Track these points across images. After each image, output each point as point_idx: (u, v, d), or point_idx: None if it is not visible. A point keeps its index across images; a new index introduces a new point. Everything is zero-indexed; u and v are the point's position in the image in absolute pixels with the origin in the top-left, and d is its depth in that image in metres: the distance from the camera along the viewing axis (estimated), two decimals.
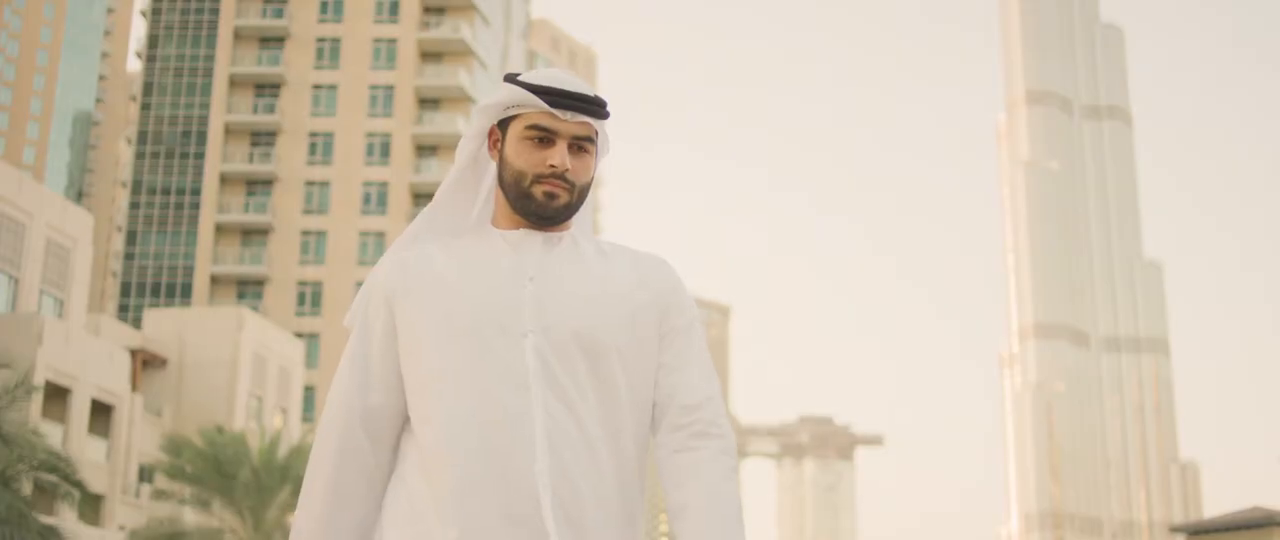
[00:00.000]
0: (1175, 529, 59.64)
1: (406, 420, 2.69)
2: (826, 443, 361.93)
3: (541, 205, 2.66)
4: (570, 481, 2.52)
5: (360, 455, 2.66)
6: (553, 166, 2.64)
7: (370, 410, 2.67)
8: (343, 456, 2.66)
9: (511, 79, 2.70)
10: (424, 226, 2.83)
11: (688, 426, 2.63)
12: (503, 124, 2.72)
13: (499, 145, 2.73)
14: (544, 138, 2.65)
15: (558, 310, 2.62)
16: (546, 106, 2.64)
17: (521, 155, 2.67)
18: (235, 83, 74.72)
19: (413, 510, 2.58)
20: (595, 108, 2.67)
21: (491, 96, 2.73)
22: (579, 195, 2.70)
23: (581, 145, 2.68)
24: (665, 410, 2.66)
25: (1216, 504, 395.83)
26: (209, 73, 74.46)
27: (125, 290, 71.53)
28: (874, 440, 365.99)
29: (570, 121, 2.65)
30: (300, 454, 38.41)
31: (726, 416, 2.67)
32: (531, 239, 2.70)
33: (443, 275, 2.67)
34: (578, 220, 2.79)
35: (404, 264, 2.72)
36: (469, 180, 2.84)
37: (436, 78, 73.57)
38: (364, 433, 2.66)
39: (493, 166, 2.81)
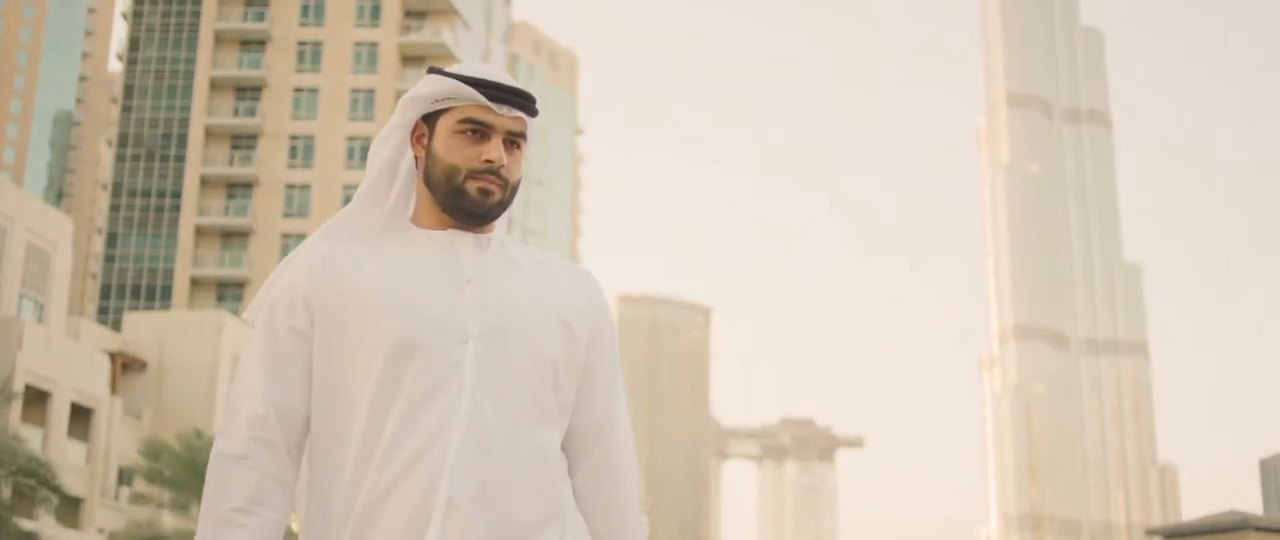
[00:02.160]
0: (1150, 532, 60.01)
1: (310, 434, 2.53)
2: (808, 444, 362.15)
3: (475, 202, 2.53)
4: (489, 490, 2.39)
5: (275, 456, 2.46)
6: (489, 161, 2.51)
7: (285, 412, 2.48)
8: (254, 458, 2.45)
9: (437, 72, 2.58)
10: (337, 228, 2.65)
11: (606, 466, 2.59)
12: (428, 119, 2.58)
13: (424, 141, 2.59)
14: (478, 131, 2.53)
15: (499, 314, 2.50)
16: (483, 99, 2.52)
17: (454, 150, 2.53)
18: (216, 86, 74.77)
19: (325, 528, 2.45)
20: (529, 103, 2.56)
21: (419, 88, 2.59)
22: (511, 193, 2.57)
23: (515, 141, 2.56)
24: (589, 446, 2.59)
25: (1195, 507, 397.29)
26: (190, 75, 74.49)
27: (105, 292, 71.51)
28: (855, 442, 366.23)
29: (506, 116, 2.54)
30: None
31: (634, 451, 2.66)
32: (463, 240, 2.56)
33: (373, 278, 2.51)
34: (499, 222, 2.65)
35: (321, 261, 2.55)
36: (386, 181, 2.65)
37: (417, 82, 73.64)
38: (279, 433, 2.47)
39: (407, 163, 2.64)
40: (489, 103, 2.52)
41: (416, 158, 2.61)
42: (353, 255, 2.55)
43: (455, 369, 2.43)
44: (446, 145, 2.53)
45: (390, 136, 2.63)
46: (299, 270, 2.55)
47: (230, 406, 2.51)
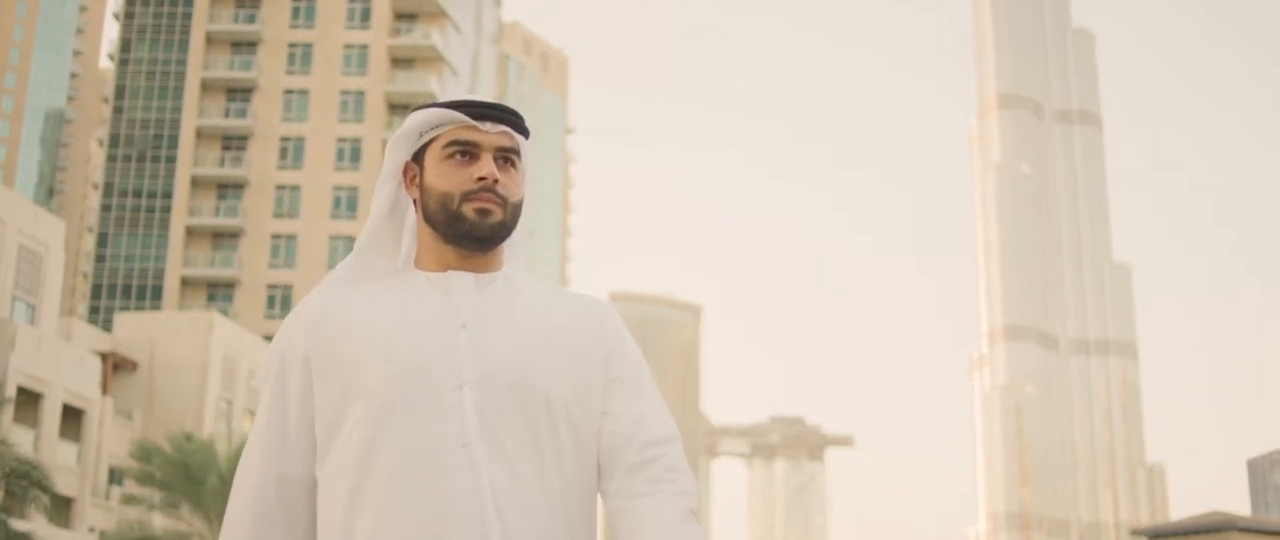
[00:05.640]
0: (1136, 532, 60.47)
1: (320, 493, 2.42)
2: (797, 443, 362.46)
3: (475, 224, 2.40)
4: None
5: (274, 528, 2.40)
6: (481, 179, 2.39)
7: (286, 480, 2.40)
8: (258, 533, 2.39)
9: (418, 109, 2.51)
10: (337, 278, 2.55)
11: (643, 470, 2.39)
12: (417, 157, 2.48)
13: (417, 179, 2.48)
14: (467, 151, 2.42)
15: (496, 358, 2.36)
16: (466, 118, 2.42)
17: (445, 176, 2.42)
18: (207, 87, 75.00)
19: None
20: (516, 118, 2.46)
21: (402, 126, 2.49)
22: (512, 214, 2.44)
23: (507, 158, 2.45)
24: (620, 455, 2.40)
25: (1183, 507, 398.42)
26: (181, 76, 74.69)
27: (96, 292, 71.70)
28: (845, 441, 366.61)
29: (492, 132, 2.43)
30: None
31: (685, 460, 2.47)
32: (462, 281, 2.43)
33: (365, 325, 2.40)
34: (510, 255, 2.53)
35: (319, 313, 2.45)
36: (389, 228, 2.55)
37: (407, 84, 73.98)
38: (279, 506, 2.40)
39: (406, 208, 2.53)
40: (472, 121, 2.43)
41: (413, 201, 2.51)
42: (345, 302, 2.46)
43: (449, 416, 2.31)
44: (437, 173, 2.43)
45: (384, 184, 2.53)
46: (296, 326, 2.46)
47: (237, 478, 2.45)
